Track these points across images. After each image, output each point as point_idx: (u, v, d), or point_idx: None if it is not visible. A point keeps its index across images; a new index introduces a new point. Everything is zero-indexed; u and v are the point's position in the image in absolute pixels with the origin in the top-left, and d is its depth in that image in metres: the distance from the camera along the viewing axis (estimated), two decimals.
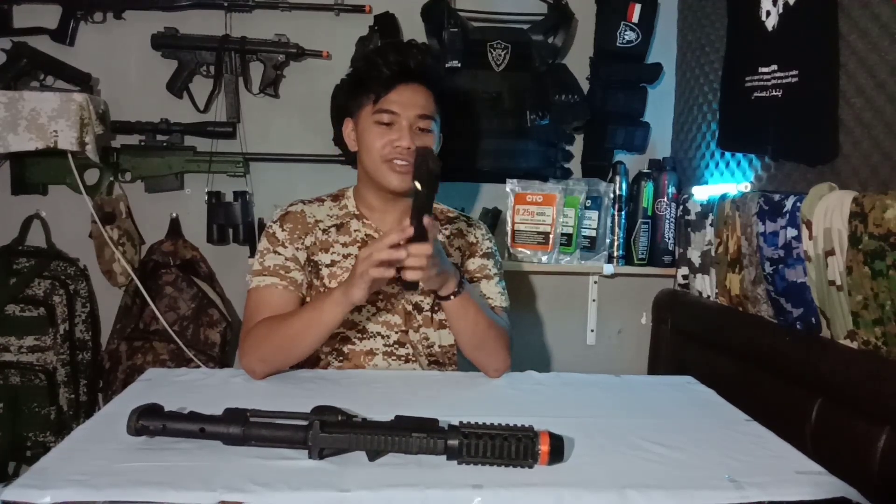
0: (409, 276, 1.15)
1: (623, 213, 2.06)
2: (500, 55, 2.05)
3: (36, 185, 2.01)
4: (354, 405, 1.04)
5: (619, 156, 2.16)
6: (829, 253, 1.31)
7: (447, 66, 1.99)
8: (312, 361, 1.40)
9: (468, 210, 2.11)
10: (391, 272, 1.15)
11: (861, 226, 1.23)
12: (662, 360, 2.07)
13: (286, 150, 2.07)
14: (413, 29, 2.02)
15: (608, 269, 2.06)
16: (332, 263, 1.40)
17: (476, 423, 0.91)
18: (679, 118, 2.17)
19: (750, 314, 1.60)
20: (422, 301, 1.41)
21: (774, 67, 1.59)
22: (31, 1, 1.97)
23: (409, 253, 1.13)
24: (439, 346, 1.43)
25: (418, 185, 1.12)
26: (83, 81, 1.98)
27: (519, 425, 0.91)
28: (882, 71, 1.32)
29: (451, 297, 1.26)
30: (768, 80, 1.61)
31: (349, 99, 1.42)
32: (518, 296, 2.01)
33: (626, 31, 2.07)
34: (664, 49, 2.16)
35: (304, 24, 2.04)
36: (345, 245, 1.41)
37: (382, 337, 1.39)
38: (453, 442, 0.90)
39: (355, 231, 1.42)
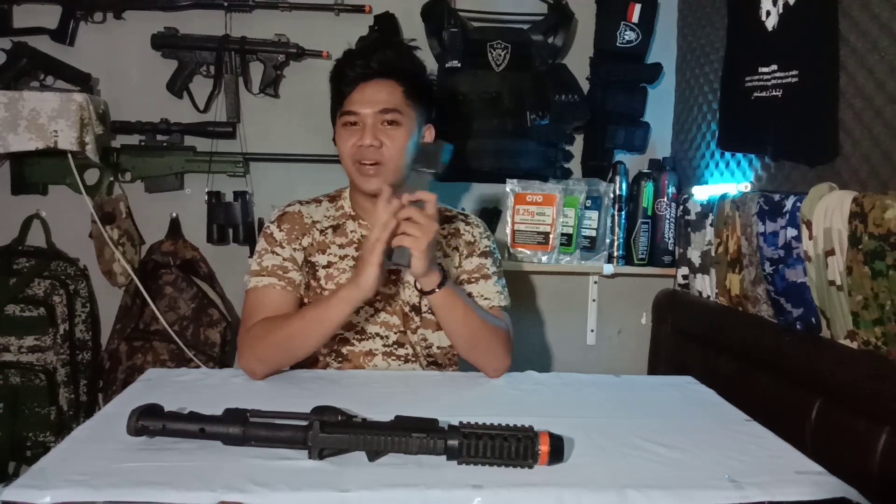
0: (407, 241, 1.17)
1: (623, 213, 2.06)
2: (500, 55, 2.05)
3: (36, 185, 2.01)
4: (354, 405, 1.04)
5: (619, 156, 2.16)
6: (829, 253, 1.31)
7: (447, 66, 1.99)
8: (311, 362, 1.40)
9: (468, 210, 2.11)
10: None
11: (861, 226, 1.23)
12: (662, 360, 2.07)
13: (286, 150, 2.07)
14: (413, 29, 2.02)
15: (608, 269, 2.06)
16: (329, 265, 1.40)
17: (476, 423, 0.91)
18: (679, 118, 2.17)
19: (750, 314, 1.60)
20: (420, 302, 1.41)
21: (774, 67, 1.59)
22: (31, 1, 1.97)
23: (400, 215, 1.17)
24: (438, 347, 1.43)
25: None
26: (83, 81, 1.98)
27: (519, 425, 0.91)
28: (882, 71, 1.32)
29: (436, 290, 1.25)
30: (768, 80, 1.61)
31: (331, 107, 1.44)
32: (518, 296, 2.01)
33: (626, 31, 2.07)
34: (664, 49, 2.16)
35: (304, 24, 2.04)
36: (341, 246, 1.41)
37: (381, 337, 1.39)
38: (453, 442, 0.90)
39: (351, 232, 1.42)
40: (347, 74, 1.36)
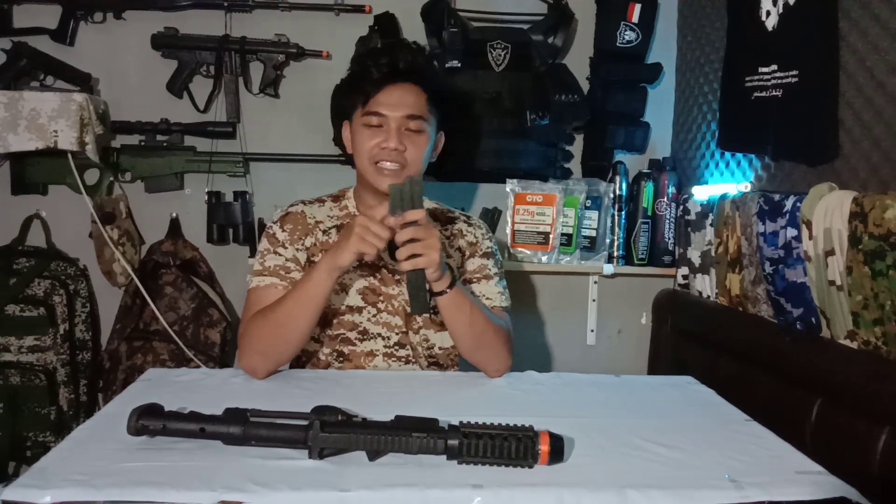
0: (407, 264, 1.18)
1: (623, 213, 2.06)
2: (500, 55, 2.05)
3: (36, 185, 2.01)
4: (354, 405, 1.04)
5: (619, 156, 2.16)
6: (829, 253, 1.31)
7: (447, 66, 1.99)
8: (313, 362, 1.40)
9: (468, 210, 2.11)
10: (376, 246, 1.19)
11: (861, 226, 1.23)
12: (662, 360, 2.07)
13: (286, 150, 2.07)
14: (413, 29, 2.02)
15: (608, 269, 2.06)
16: None
17: (476, 423, 0.91)
18: (679, 118, 2.17)
19: (750, 314, 1.60)
20: None
21: (774, 67, 1.59)
22: (31, 1, 1.97)
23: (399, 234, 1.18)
24: (440, 348, 1.43)
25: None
26: (83, 81, 1.98)
27: (519, 425, 0.91)
28: (882, 71, 1.32)
29: (446, 291, 1.26)
30: (768, 80, 1.61)
31: (345, 101, 1.43)
32: (518, 296, 2.00)
33: (626, 31, 2.07)
34: (664, 49, 2.16)
35: (304, 24, 2.04)
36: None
37: (383, 338, 1.39)
38: (453, 442, 0.90)
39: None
40: (373, 73, 1.34)
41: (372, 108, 1.34)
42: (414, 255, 1.18)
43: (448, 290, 1.26)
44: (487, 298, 1.42)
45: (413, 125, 1.34)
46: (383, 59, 1.35)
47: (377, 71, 1.34)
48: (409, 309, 1.40)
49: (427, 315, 1.40)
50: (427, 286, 1.22)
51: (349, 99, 1.40)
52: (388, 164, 1.33)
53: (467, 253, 1.46)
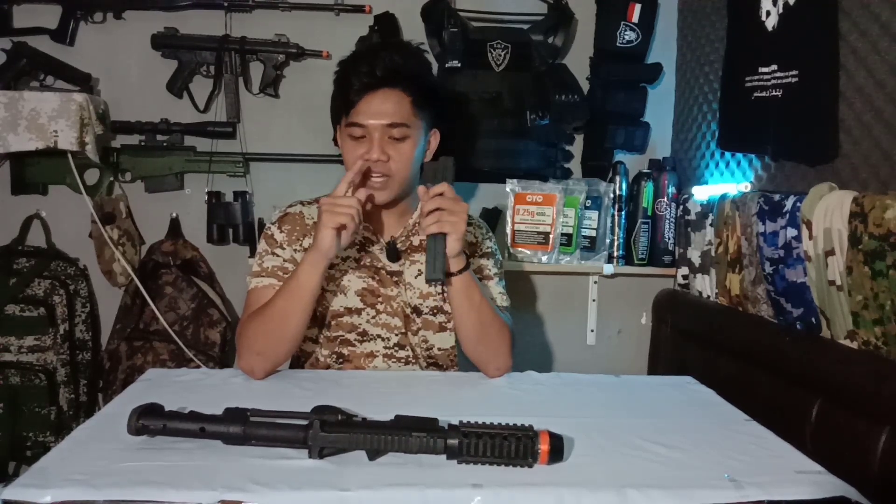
0: (433, 227, 1.20)
1: (623, 213, 2.06)
2: (500, 55, 2.05)
3: (36, 185, 2.01)
4: (354, 405, 1.04)
5: (619, 156, 2.16)
6: (829, 253, 1.31)
7: (447, 66, 1.99)
8: (312, 363, 1.40)
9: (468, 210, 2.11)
10: (348, 214, 1.21)
11: (861, 226, 1.23)
12: (662, 360, 2.07)
13: (286, 150, 2.07)
14: (413, 29, 2.02)
15: (608, 269, 2.06)
16: (331, 266, 1.39)
17: (476, 423, 0.91)
18: (679, 118, 2.17)
19: (750, 314, 1.60)
20: (421, 304, 1.41)
21: (774, 67, 1.59)
22: (31, 1, 1.97)
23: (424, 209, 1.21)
24: (439, 349, 1.43)
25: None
26: (83, 81, 1.98)
27: (519, 425, 0.91)
28: (882, 71, 1.32)
29: (461, 271, 1.26)
30: (768, 80, 1.61)
31: (332, 108, 1.42)
32: (518, 296, 2.01)
33: (626, 31, 2.07)
34: (664, 49, 2.16)
35: (304, 24, 2.04)
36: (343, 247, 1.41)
37: (382, 339, 1.39)
38: (453, 441, 0.90)
39: (353, 233, 1.42)
40: (353, 83, 1.32)
41: (353, 119, 1.33)
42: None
43: (462, 272, 1.26)
44: (489, 298, 1.42)
45: (396, 133, 1.32)
46: (363, 67, 1.32)
47: (356, 80, 1.32)
48: (407, 310, 1.40)
49: (425, 316, 1.40)
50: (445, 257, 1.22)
51: (335, 107, 1.40)
52: (376, 177, 1.32)
53: (467, 253, 1.46)
